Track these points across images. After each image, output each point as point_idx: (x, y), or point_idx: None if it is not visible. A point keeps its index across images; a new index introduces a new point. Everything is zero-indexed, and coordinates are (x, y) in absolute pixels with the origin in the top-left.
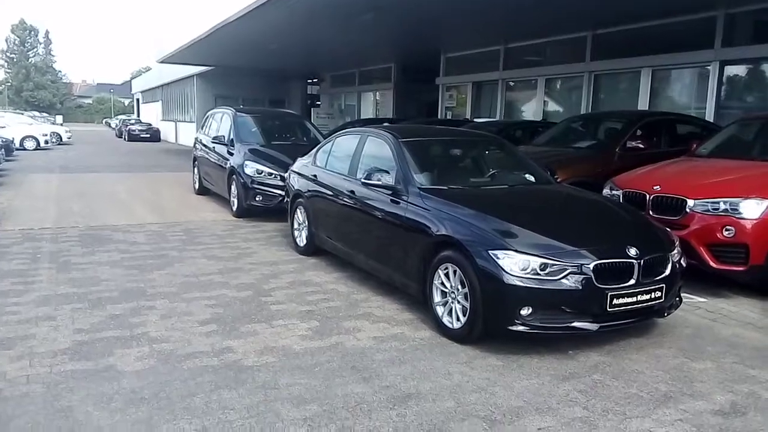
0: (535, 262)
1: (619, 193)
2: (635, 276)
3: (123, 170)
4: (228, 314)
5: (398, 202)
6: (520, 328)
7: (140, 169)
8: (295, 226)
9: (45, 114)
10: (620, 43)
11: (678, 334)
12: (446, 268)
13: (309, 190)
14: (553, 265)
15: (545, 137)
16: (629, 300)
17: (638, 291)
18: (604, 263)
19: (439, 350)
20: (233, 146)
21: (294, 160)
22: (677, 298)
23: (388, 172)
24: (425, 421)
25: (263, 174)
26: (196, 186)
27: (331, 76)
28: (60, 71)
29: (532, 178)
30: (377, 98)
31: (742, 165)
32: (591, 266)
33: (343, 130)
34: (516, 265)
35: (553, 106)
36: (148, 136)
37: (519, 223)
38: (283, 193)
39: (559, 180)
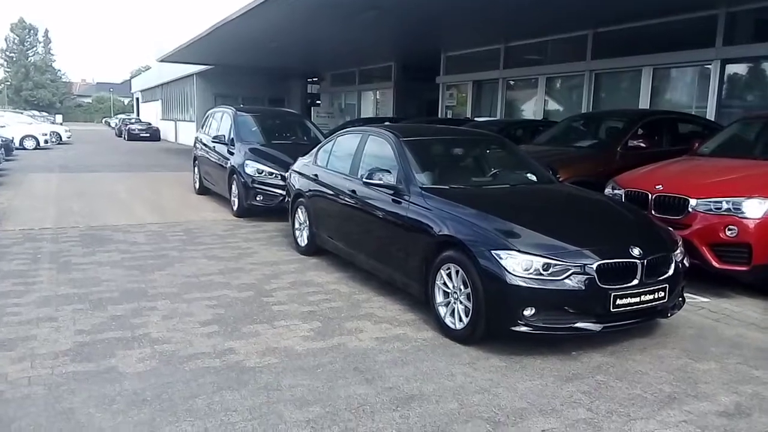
0: (538, 262)
1: (621, 192)
2: (638, 276)
3: (123, 170)
4: (229, 315)
5: (400, 202)
6: (523, 328)
7: (140, 168)
8: (296, 225)
9: (44, 113)
10: (621, 41)
11: (681, 334)
12: (448, 269)
13: (310, 190)
14: (556, 265)
15: (546, 136)
16: (632, 300)
17: (641, 291)
18: (608, 263)
19: (442, 351)
20: (234, 145)
21: (295, 160)
22: (680, 299)
23: (389, 172)
24: (428, 423)
25: (264, 173)
26: (197, 185)
27: (331, 75)
28: (59, 70)
29: (534, 178)
30: (377, 97)
31: (744, 164)
32: (594, 266)
33: (344, 130)
34: (519, 265)
35: (553, 105)
36: (148, 135)
37: (521, 223)
38: (283, 192)
39: (560, 179)
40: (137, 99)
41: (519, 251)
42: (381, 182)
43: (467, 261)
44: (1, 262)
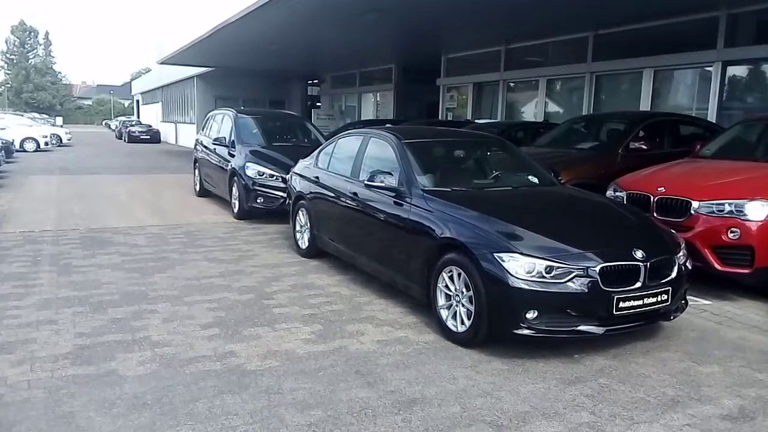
0: (541, 264)
1: (623, 194)
2: (642, 279)
3: (123, 172)
4: (230, 318)
5: (401, 204)
6: (526, 331)
7: (140, 170)
8: (297, 228)
9: (45, 115)
10: (622, 43)
11: (684, 337)
12: (450, 271)
13: (311, 192)
14: (559, 267)
15: (547, 138)
16: (636, 303)
17: (645, 294)
18: (611, 266)
19: (444, 354)
20: (234, 148)
21: (295, 162)
22: (683, 301)
23: (391, 174)
24: (431, 427)
25: (265, 176)
26: (197, 188)
27: (331, 77)
28: (60, 72)
29: (535, 180)
30: (378, 99)
31: (746, 166)
32: (597, 269)
33: (345, 132)
34: (521, 267)
35: (554, 107)
36: (148, 137)
37: (524, 226)
38: (284, 194)
39: (562, 181)
40: (137, 101)
41: (521, 254)
42: (383, 184)
43: (469, 264)
44: (1, 264)
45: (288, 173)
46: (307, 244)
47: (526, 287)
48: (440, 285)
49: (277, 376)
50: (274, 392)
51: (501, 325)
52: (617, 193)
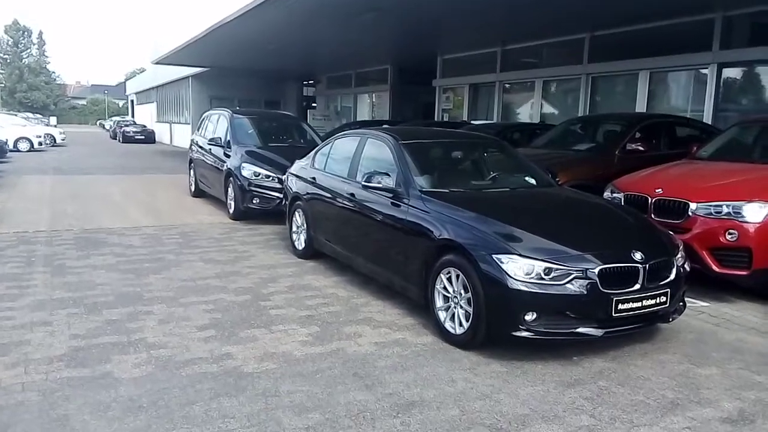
0: (540, 266)
1: (621, 196)
2: (640, 281)
3: (117, 172)
4: (226, 319)
5: (399, 205)
6: (525, 333)
7: (135, 171)
8: (294, 229)
9: (39, 115)
10: (618, 45)
11: (682, 339)
12: (448, 273)
13: (308, 193)
14: (558, 269)
15: (544, 139)
16: (634, 305)
17: (643, 296)
18: (609, 268)
19: (442, 356)
20: (230, 148)
21: (291, 163)
22: (681, 303)
23: (388, 175)
24: (430, 430)
25: (260, 176)
26: (192, 188)
27: (327, 78)
28: (54, 72)
29: (533, 181)
30: (373, 100)
31: (743, 168)
32: (596, 271)
33: (342, 133)
34: (520, 269)
35: (550, 109)
36: (143, 137)
37: (522, 227)
38: (280, 195)
39: (560, 182)
40: (132, 101)
41: (520, 255)
42: (380, 185)
43: (468, 265)
44: None
45: (284, 174)
46: (303, 245)
47: (525, 289)
48: (438, 287)
49: (274, 378)
50: (271, 395)
51: (500, 327)
52: (615, 195)
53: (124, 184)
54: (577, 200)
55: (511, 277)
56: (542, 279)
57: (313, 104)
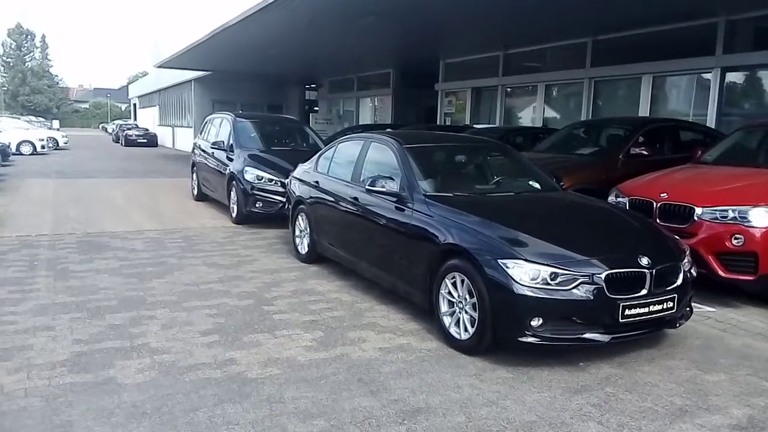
0: (546, 271)
1: (625, 200)
2: (647, 286)
3: (120, 176)
4: (230, 324)
5: (403, 210)
6: (531, 339)
7: (138, 174)
8: (297, 233)
9: (41, 119)
10: (620, 49)
11: (689, 345)
12: (453, 278)
13: (311, 197)
14: (564, 274)
15: (547, 144)
16: (641, 311)
17: (650, 301)
18: (616, 273)
19: (447, 362)
20: (233, 152)
21: (294, 166)
22: (688, 309)
23: (392, 179)
24: None
25: (263, 180)
26: (195, 192)
27: (329, 82)
28: (57, 76)
29: (537, 185)
30: (376, 104)
31: (749, 172)
32: (603, 276)
33: (346, 137)
34: (526, 274)
35: (552, 113)
36: (145, 141)
37: (527, 232)
38: (283, 199)
39: (564, 187)
40: (134, 105)
41: (526, 260)
42: (384, 189)
43: (473, 270)
44: None
45: (287, 177)
46: (306, 249)
47: (531, 294)
48: (443, 291)
49: (278, 384)
50: (275, 401)
51: (505, 332)
52: (619, 199)
53: (127, 188)
54: (583, 204)
55: (516, 282)
56: (548, 284)
57: (316, 108)
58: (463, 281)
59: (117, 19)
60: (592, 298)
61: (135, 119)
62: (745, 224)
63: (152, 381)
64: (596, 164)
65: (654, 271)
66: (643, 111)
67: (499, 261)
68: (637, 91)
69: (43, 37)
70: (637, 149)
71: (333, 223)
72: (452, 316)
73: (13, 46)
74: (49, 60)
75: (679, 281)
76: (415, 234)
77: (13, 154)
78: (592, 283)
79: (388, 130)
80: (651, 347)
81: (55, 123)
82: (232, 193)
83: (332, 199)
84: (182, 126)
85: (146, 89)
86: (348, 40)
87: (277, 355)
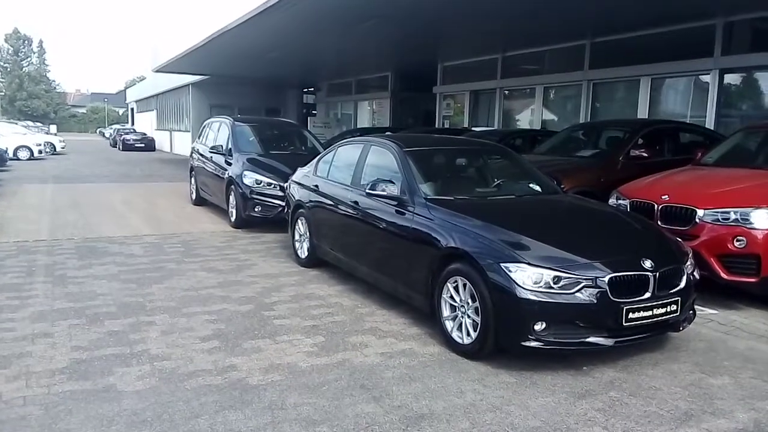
0: (548, 275)
1: (626, 202)
2: (651, 289)
3: (118, 180)
4: (230, 330)
5: (404, 213)
6: (534, 343)
7: (135, 179)
8: (296, 237)
9: (39, 123)
10: (619, 51)
11: (692, 348)
12: (455, 282)
13: (311, 201)
14: (567, 278)
15: (546, 146)
16: (645, 314)
17: (654, 305)
18: (619, 276)
19: (450, 366)
20: (231, 156)
21: (293, 170)
22: (691, 312)
23: (392, 183)
24: None
25: (262, 184)
26: (193, 196)
27: (327, 85)
28: (54, 81)
29: (538, 188)
30: (374, 107)
31: (750, 174)
32: (606, 279)
33: (345, 140)
34: (529, 278)
35: (551, 115)
36: (143, 145)
37: (530, 235)
38: (282, 203)
39: (565, 189)
40: (132, 109)
41: (529, 264)
42: (384, 193)
43: (475, 274)
44: None
45: (286, 181)
46: (306, 253)
47: (534, 298)
48: (445, 296)
49: (280, 390)
50: (277, 408)
51: (508, 336)
52: (620, 201)
53: (125, 193)
54: (584, 207)
55: (519, 286)
56: (551, 288)
57: (314, 112)
58: (465, 285)
59: (115, 24)
60: (595, 301)
61: (132, 124)
62: (747, 226)
63: (152, 388)
64: (596, 166)
65: (657, 274)
66: (642, 113)
67: (501, 265)
68: (636, 93)
69: (41, 42)
70: (636, 151)
71: (333, 227)
72: (454, 321)
73: (10, 51)
74: (47, 65)
75: (683, 284)
76: (416, 238)
77: (11, 159)
78: (596, 286)
79: (388, 133)
80: (654, 351)
81: (53, 128)
82: (230, 197)
83: (332, 202)
84: (180, 130)
85: (144, 94)
86: (346, 43)
87: (278, 361)
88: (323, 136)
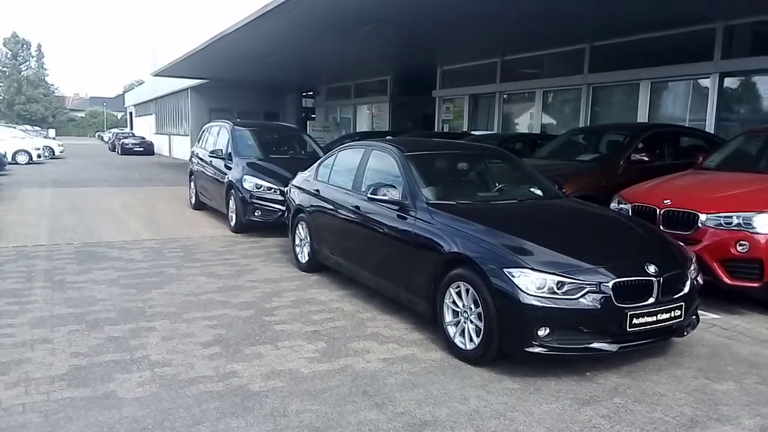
0: (552, 280)
1: (628, 207)
2: (655, 294)
3: (117, 185)
4: (231, 335)
5: (405, 218)
6: (538, 349)
7: (135, 183)
8: (297, 242)
9: (37, 127)
10: (619, 55)
11: (696, 353)
12: (458, 287)
13: (311, 205)
14: (571, 283)
15: (547, 150)
16: (649, 319)
17: (658, 310)
18: (623, 281)
19: (452, 373)
20: (231, 160)
21: (293, 174)
22: (695, 317)
23: (394, 187)
24: None
25: (262, 188)
26: (193, 201)
27: (326, 89)
28: (52, 85)
29: (539, 192)
30: (373, 111)
31: (752, 178)
32: (610, 284)
33: (346, 144)
34: (532, 283)
35: (550, 119)
36: (142, 149)
37: (533, 240)
38: (282, 207)
39: (566, 194)
40: (131, 113)
41: (532, 269)
42: (386, 198)
43: (478, 279)
44: None
45: (286, 186)
46: (307, 258)
47: (537, 303)
48: (447, 301)
49: (281, 397)
50: (279, 415)
51: (512, 342)
52: (621, 206)
53: (124, 197)
54: (587, 212)
55: (522, 291)
56: (555, 293)
57: (313, 115)
58: (468, 290)
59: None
60: (599, 307)
61: (131, 128)
62: (750, 230)
63: (153, 395)
64: (597, 171)
65: (661, 279)
66: (642, 117)
67: (504, 270)
68: (636, 96)
69: (39, 46)
70: (637, 155)
71: (334, 232)
72: (457, 326)
73: (8, 56)
74: (45, 69)
75: (686, 289)
76: (418, 242)
77: (9, 164)
78: (599, 291)
79: (389, 137)
80: (658, 356)
81: (51, 132)
82: (230, 201)
83: (333, 207)
84: (179, 134)
85: (142, 98)
86: (346, 47)
87: (279, 367)
88: (322, 140)
